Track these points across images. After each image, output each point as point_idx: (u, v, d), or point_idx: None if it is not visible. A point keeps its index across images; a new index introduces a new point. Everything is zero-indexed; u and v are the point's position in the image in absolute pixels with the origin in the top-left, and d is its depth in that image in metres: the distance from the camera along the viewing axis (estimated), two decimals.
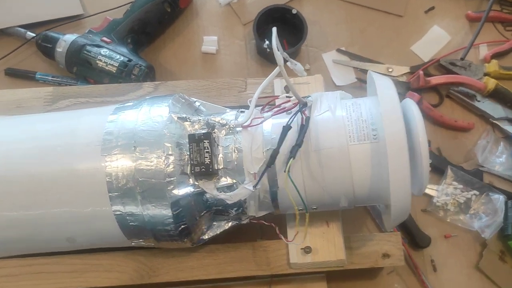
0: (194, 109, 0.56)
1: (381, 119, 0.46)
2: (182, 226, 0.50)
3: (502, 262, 0.68)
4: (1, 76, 0.76)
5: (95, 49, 0.70)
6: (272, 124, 0.51)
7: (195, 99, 0.58)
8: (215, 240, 0.57)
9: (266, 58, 0.78)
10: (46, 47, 0.73)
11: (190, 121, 0.52)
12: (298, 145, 0.46)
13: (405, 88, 0.74)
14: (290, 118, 0.49)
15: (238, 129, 0.51)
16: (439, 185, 0.70)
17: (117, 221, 0.50)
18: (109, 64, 0.70)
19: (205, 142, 0.49)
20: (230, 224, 0.55)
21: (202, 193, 0.50)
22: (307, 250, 0.57)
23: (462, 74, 0.74)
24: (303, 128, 0.47)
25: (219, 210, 0.53)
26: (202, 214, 0.52)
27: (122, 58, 0.70)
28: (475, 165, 0.72)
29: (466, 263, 0.69)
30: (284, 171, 0.45)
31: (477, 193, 0.70)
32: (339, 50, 0.79)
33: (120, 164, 0.49)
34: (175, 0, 0.75)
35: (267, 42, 0.70)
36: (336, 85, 0.76)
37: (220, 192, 0.49)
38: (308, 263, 0.58)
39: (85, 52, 0.70)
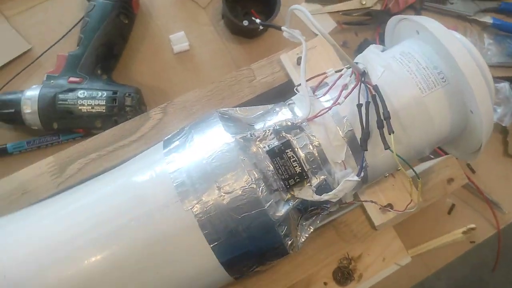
0: (239, 120, 0.51)
1: (444, 56, 0.45)
2: (289, 242, 0.47)
3: None
4: None
5: (70, 95, 0.61)
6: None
7: (230, 109, 0.53)
8: None
9: (244, 35, 0.72)
10: (8, 114, 0.61)
11: (255, 137, 0.47)
12: (387, 117, 0.44)
13: (387, 16, 0.73)
14: (359, 93, 0.46)
15: (304, 123, 0.48)
16: None
17: (225, 268, 0.46)
18: (95, 105, 0.60)
19: (288, 152, 0.45)
20: (320, 218, 0.53)
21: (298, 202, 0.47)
22: (388, 207, 0.57)
23: None
24: (377, 98, 0.45)
25: (312, 210, 0.50)
26: (299, 220, 0.50)
27: (105, 93, 0.61)
28: None
29: (496, 154, 0.74)
30: (386, 149, 0.44)
31: None
32: (308, 1, 0.75)
33: (210, 210, 0.44)
34: (129, 8, 0.66)
35: (258, 21, 0.65)
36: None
37: (322, 193, 0.46)
38: (391, 219, 0.58)
39: (60, 102, 0.60)
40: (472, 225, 0.69)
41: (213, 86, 0.61)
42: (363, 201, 0.54)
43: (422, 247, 0.68)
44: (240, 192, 0.44)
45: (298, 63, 0.61)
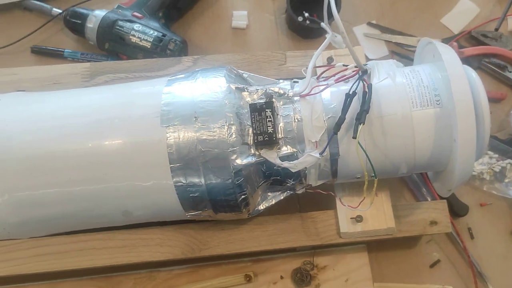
0: (245, 80, 0.55)
1: (448, 82, 0.46)
2: (243, 196, 0.50)
3: None
4: (27, 54, 0.74)
5: (127, 25, 0.69)
6: (331, 92, 0.51)
7: (242, 71, 0.57)
8: (261, 212, 0.57)
9: (298, 33, 0.77)
10: (75, 24, 0.71)
11: (248, 91, 0.51)
12: (365, 110, 0.46)
13: None
14: (353, 85, 0.49)
15: (296, 98, 0.51)
16: None
17: (177, 193, 0.49)
18: (143, 39, 0.68)
19: (267, 111, 0.49)
20: (285, 194, 0.55)
21: (262, 163, 0.50)
22: (358, 219, 0.57)
23: (494, 45, 0.75)
24: (367, 94, 0.47)
25: (276, 180, 0.53)
26: (260, 184, 0.52)
27: (156, 33, 0.69)
28: (509, 135, 0.73)
29: (502, 230, 0.70)
30: (353, 137, 0.45)
31: None
32: (369, 24, 0.78)
33: (181, 135, 0.48)
34: None
35: (306, 14, 0.70)
36: (368, 59, 0.76)
37: (283, 161, 0.49)
38: (358, 232, 0.58)
39: (118, 27, 0.69)
40: (449, 287, 0.66)
41: (246, 56, 0.66)
42: (330, 193, 0.55)
43: (390, 285, 0.66)
44: (212, 129, 0.48)
45: (329, 61, 0.64)
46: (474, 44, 0.77)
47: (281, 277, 0.65)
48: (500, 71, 0.75)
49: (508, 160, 0.71)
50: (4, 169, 0.50)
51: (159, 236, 0.58)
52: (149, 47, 0.68)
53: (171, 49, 0.68)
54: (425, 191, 0.69)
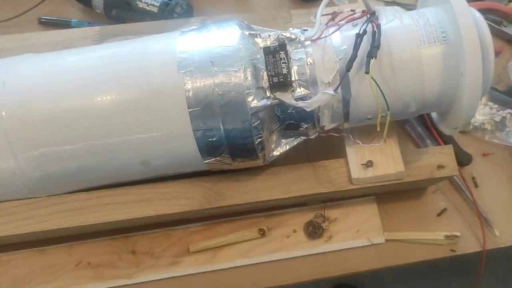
0: (254, 29, 0.57)
1: (454, 19, 0.48)
2: (259, 139, 0.52)
3: None
4: (35, 25, 0.75)
5: None
6: (340, 37, 0.53)
7: (252, 25, 0.59)
8: (274, 163, 0.59)
9: None
10: None
11: (261, 37, 0.53)
12: (376, 46, 0.47)
13: None
14: (362, 26, 0.50)
15: (307, 43, 0.53)
16: None
17: (195, 137, 0.51)
18: (150, 4, 0.70)
19: (281, 54, 0.50)
20: (298, 140, 0.57)
21: (277, 106, 0.52)
22: (368, 164, 0.59)
23: (489, 1, 0.78)
24: (376, 33, 0.49)
25: (290, 124, 0.54)
26: (275, 129, 0.54)
27: None
28: (507, 86, 0.75)
29: (505, 178, 0.72)
30: (366, 73, 0.47)
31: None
32: None
33: (198, 79, 0.49)
34: None
35: None
36: None
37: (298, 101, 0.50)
38: (369, 177, 0.60)
39: None
40: (457, 233, 0.68)
41: (251, 16, 0.67)
42: (343, 134, 0.57)
43: (400, 234, 0.68)
44: (228, 72, 0.49)
45: (332, 18, 0.65)
46: (470, 1, 0.79)
47: (294, 231, 0.66)
48: (496, 26, 0.77)
49: (508, 110, 0.73)
50: (26, 127, 0.51)
51: (176, 189, 0.59)
52: (156, 11, 0.70)
53: (177, 13, 0.70)
54: (430, 143, 0.71)
